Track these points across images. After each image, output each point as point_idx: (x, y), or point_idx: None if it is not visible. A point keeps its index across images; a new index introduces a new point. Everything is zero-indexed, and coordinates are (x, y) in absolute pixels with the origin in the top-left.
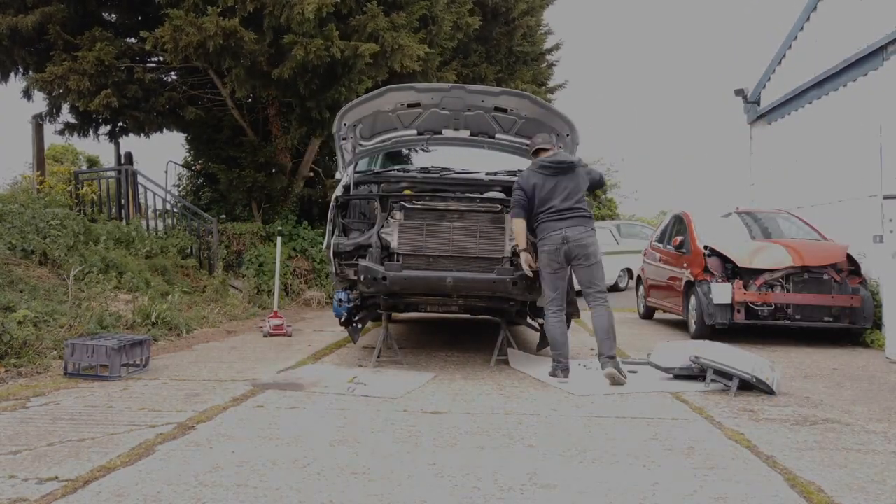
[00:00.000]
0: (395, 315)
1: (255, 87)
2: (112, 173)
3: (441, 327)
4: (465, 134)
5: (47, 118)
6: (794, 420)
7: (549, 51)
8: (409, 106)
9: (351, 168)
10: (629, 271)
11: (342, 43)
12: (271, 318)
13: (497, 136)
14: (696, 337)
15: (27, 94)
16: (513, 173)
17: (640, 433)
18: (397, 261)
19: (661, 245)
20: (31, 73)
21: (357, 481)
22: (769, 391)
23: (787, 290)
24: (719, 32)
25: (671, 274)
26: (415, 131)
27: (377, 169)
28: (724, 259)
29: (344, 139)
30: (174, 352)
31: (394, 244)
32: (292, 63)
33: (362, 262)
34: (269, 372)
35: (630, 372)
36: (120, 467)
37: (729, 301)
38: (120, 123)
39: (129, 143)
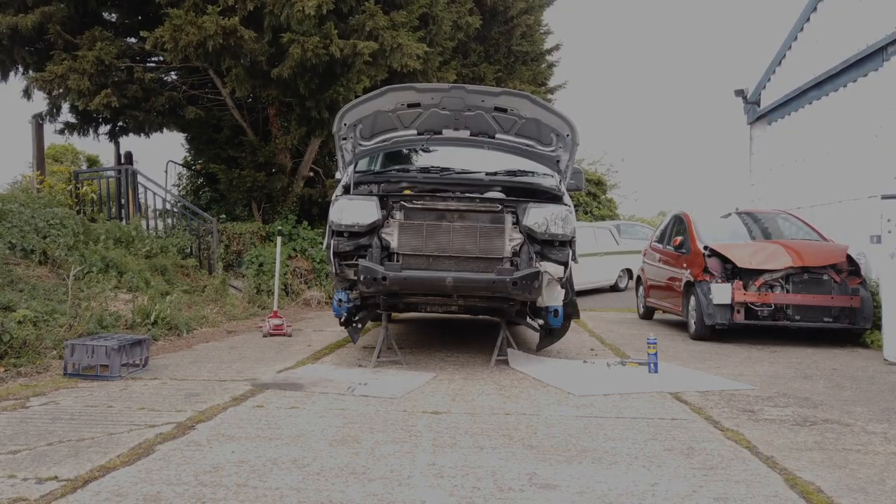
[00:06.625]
0: (395, 315)
1: (254, 87)
2: (112, 173)
3: (441, 327)
4: (465, 134)
5: (47, 118)
6: (794, 420)
7: (549, 51)
8: (409, 106)
9: (351, 168)
10: (629, 271)
11: (341, 41)
12: (271, 317)
13: (497, 136)
14: (695, 337)
15: (27, 94)
16: (513, 173)
17: (639, 433)
18: (397, 261)
19: (660, 245)
20: (31, 72)
21: (357, 481)
22: None
23: (787, 291)
24: (719, 32)
25: (671, 274)
26: (415, 131)
27: (377, 169)
28: (724, 259)
29: (344, 139)
30: (174, 352)
31: (394, 244)
32: (291, 62)
33: (362, 262)
34: (268, 372)
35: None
36: (119, 467)
37: (728, 301)
38: (120, 123)
39: (129, 142)
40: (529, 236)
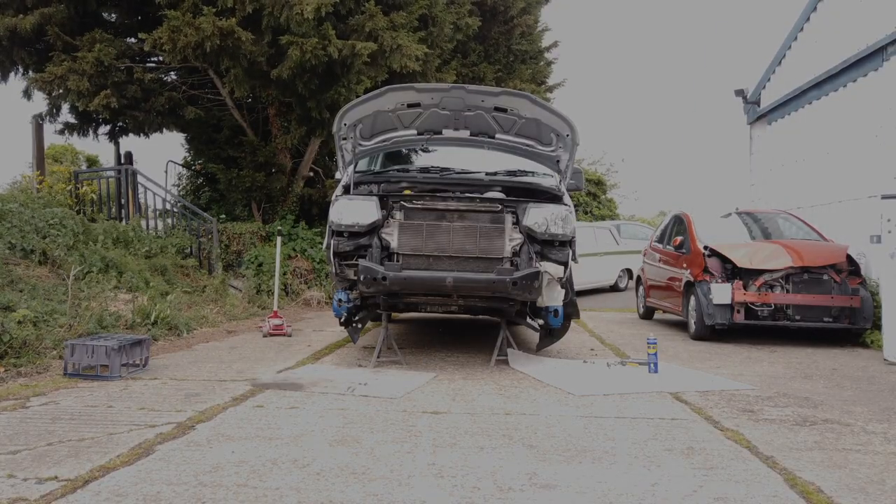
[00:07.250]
0: (395, 315)
1: (254, 87)
2: (112, 173)
3: (441, 327)
4: (465, 134)
5: (47, 118)
6: (794, 420)
7: (548, 48)
8: (409, 106)
9: (351, 168)
10: (629, 271)
11: (340, 42)
12: (271, 318)
13: (497, 136)
14: (695, 337)
15: (27, 94)
16: (513, 173)
17: (639, 433)
18: (397, 261)
19: (660, 245)
20: (30, 73)
21: (357, 481)
22: None
23: (787, 291)
24: (719, 32)
25: (671, 274)
26: (415, 131)
27: (377, 169)
28: (724, 259)
29: (344, 139)
30: (174, 352)
31: (394, 244)
32: (290, 63)
33: (362, 262)
34: (268, 372)
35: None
36: (120, 467)
37: (728, 301)
38: (119, 123)
39: (129, 142)
40: (529, 236)
